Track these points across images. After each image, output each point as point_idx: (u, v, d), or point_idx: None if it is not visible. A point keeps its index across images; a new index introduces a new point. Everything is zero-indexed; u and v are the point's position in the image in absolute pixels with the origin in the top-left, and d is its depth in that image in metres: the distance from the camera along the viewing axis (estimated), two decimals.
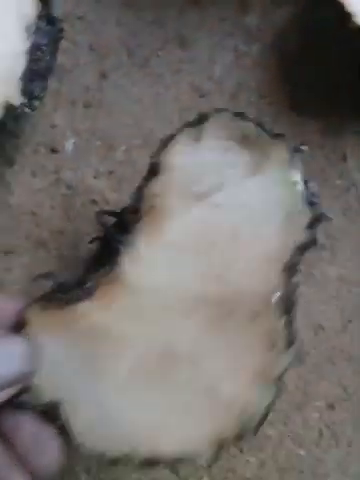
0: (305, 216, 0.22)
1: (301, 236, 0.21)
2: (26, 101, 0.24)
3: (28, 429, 0.21)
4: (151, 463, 0.22)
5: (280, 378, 0.21)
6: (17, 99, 0.24)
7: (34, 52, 0.24)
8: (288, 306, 0.22)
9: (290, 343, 0.21)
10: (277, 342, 0.21)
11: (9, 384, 0.20)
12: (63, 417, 0.21)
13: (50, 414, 0.22)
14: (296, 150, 0.22)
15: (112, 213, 0.24)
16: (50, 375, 0.22)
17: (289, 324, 0.21)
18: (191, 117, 0.32)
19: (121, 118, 0.33)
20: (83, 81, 0.33)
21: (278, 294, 0.21)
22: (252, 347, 0.22)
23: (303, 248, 0.21)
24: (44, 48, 0.24)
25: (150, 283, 0.22)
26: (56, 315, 0.22)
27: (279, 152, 0.22)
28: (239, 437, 0.21)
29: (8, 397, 0.20)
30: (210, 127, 0.22)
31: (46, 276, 0.23)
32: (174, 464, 0.24)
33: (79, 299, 0.22)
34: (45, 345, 0.22)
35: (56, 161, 0.32)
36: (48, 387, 0.22)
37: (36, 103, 0.25)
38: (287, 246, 0.22)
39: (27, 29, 0.24)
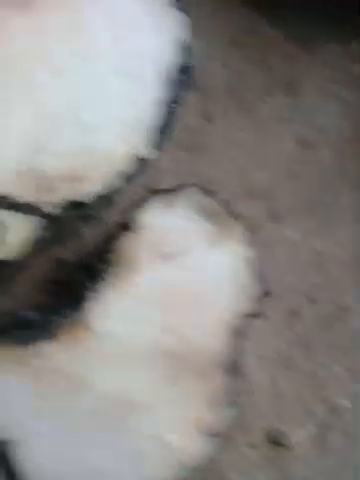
0: (254, 289, 0.24)
1: (250, 306, 0.24)
2: (152, 152, 0.23)
3: None
4: None
5: (218, 433, 0.24)
6: (145, 151, 0.23)
7: (168, 103, 0.23)
8: (232, 368, 0.24)
9: (233, 401, 0.24)
10: (219, 399, 0.24)
11: None
12: (11, 456, 0.22)
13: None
14: (251, 231, 0.25)
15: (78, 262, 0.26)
16: (3, 412, 0.22)
17: (232, 385, 0.24)
18: (295, 169, 0.32)
19: (223, 164, 0.31)
20: (187, 122, 0.32)
21: (225, 356, 0.24)
22: (199, 400, 0.24)
23: (251, 317, 0.24)
24: (177, 98, 0.23)
25: (113, 330, 0.24)
26: (17, 354, 0.22)
27: (240, 230, 0.25)
28: None
29: None
30: (182, 198, 0.25)
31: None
32: None
33: (40, 338, 0.23)
34: (4, 383, 0.22)
35: None
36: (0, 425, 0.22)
37: (158, 153, 0.24)
38: (237, 313, 0.24)
39: (165, 79, 0.23)
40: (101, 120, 0.21)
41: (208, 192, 0.25)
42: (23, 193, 0.21)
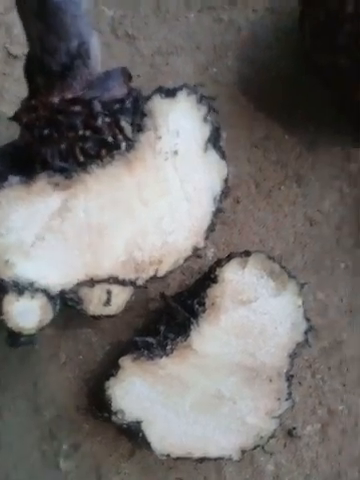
0: (303, 326, 0.36)
1: (300, 337, 0.36)
2: (204, 242, 0.35)
3: None
4: (201, 460, 0.37)
5: (280, 416, 0.37)
6: (202, 243, 0.35)
7: (217, 212, 0.35)
8: (290, 377, 0.37)
9: (288, 398, 0.37)
10: (281, 396, 0.37)
11: None
12: (142, 431, 0.35)
13: (133, 428, 0.35)
14: (302, 286, 0.36)
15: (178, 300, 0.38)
16: (135, 403, 0.35)
17: (289, 387, 0.37)
18: (304, 242, 0.43)
19: (249, 236, 0.43)
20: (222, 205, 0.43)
21: (284, 370, 0.36)
22: (267, 397, 0.36)
23: (301, 345, 0.36)
24: (223, 207, 0.35)
25: (208, 351, 0.35)
26: (142, 364, 0.35)
27: (292, 285, 0.36)
28: (255, 448, 0.37)
29: None
30: (252, 260, 0.35)
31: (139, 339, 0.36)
32: (216, 460, 0.38)
33: (160, 356, 0.35)
34: (134, 383, 0.35)
35: (199, 265, 0.43)
36: (133, 411, 0.35)
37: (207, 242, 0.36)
38: (292, 342, 0.36)
39: (214, 199, 0.34)
40: (175, 228, 0.33)
41: (271, 258, 0.35)
42: (125, 274, 0.33)
